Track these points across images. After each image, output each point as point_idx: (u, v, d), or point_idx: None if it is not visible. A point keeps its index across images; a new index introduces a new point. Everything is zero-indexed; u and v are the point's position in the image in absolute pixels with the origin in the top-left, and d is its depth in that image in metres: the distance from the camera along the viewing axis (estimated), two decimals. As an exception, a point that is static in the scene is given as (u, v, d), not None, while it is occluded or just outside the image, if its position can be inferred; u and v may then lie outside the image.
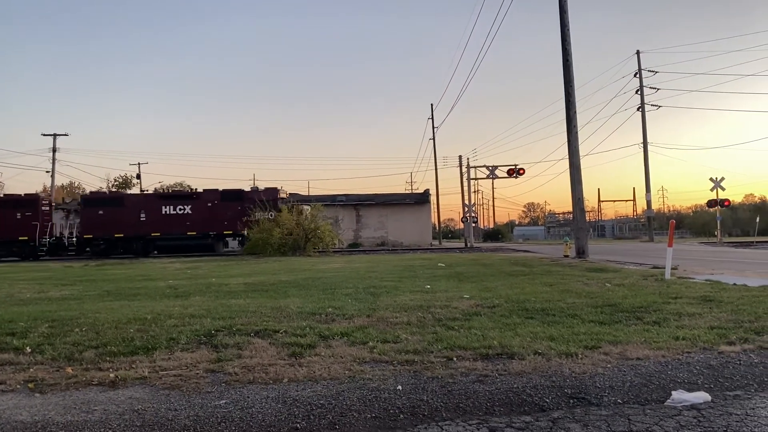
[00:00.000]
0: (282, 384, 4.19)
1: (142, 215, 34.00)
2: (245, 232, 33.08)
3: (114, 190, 55.67)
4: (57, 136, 54.31)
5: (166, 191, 36.04)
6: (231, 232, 34.69)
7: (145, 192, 37.30)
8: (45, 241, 33.58)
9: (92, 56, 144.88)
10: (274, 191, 35.83)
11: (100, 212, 34.30)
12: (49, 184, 56.34)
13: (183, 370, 4.60)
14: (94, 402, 3.88)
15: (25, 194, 35.37)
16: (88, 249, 34.44)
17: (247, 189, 36.81)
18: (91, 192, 36.83)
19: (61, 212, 39.57)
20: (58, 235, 34.72)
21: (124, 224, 33.94)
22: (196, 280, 13.60)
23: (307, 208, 34.27)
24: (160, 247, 34.63)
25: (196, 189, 36.21)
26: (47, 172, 54.60)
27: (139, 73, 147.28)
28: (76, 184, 68.37)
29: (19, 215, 33.31)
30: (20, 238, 33.07)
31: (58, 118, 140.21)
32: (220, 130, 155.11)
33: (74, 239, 34.49)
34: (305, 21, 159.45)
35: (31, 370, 4.67)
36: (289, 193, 38.38)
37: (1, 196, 36.44)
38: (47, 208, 35.43)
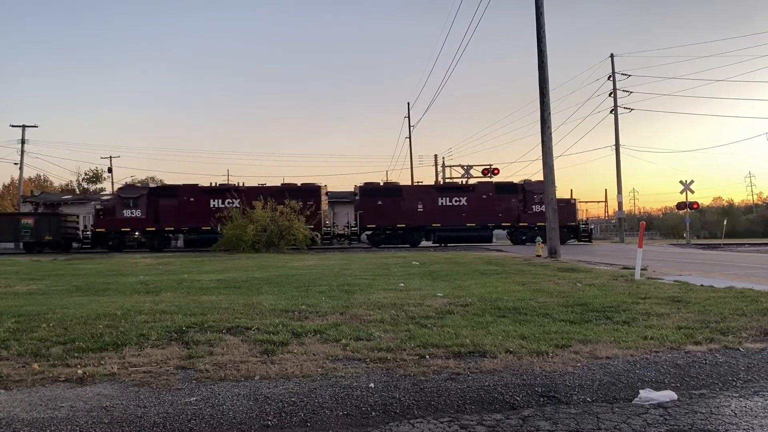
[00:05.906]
0: (254, 381, 4.17)
1: (419, 206, 34.26)
2: (520, 225, 34.39)
3: (83, 185, 54.72)
4: (26, 128, 53.29)
5: (440, 183, 36.43)
6: (508, 224, 34.99)
7: (420, 183, 37.77)
8: (329, 231, 33.99)
9: (63, 46, 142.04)
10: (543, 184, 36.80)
11: (379, 202, 34.72)
12: (16, 176, 55.15)
13: (153, 366, 4.55)
14: (61, 398, 3.81)
15: (302, 184, 34.74)
16: (357, 238, 35.19)
17: (519, 182, 37.33)
18: (366, 183, 36.66)
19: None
20: (330, 224, 35.33)
21: (404, 214, 34.38)
22: (168, 275, 13.45)
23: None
24: (440, 238, 34.96)
25: (467, 181, 37.11)
26: (15, 164, 53.51)
27: (112, 65, 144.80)
28: (44, 177, 67.00)
29: (301, 204, 32.55)
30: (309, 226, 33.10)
31: (28, 110, 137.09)
32: (193, 125, 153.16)
33: (354, 228, 35.07)
34: (283, 18, 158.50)
35: (-4, 366, 4.57)
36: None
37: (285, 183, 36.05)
38: (325, 197, 35.80)
